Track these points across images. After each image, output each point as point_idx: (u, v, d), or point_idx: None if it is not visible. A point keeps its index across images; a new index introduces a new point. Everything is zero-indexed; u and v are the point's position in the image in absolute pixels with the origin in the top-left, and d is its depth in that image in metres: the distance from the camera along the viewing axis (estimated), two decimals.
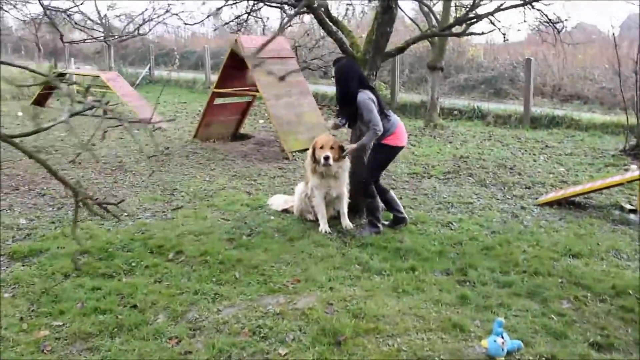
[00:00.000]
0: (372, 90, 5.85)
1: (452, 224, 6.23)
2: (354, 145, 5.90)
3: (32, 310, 4.34)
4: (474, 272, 4.88)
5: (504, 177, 8.29)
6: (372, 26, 6.18)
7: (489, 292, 4.52)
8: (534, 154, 9.93)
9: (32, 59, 28.78)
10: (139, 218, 6.52)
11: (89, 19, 22.05)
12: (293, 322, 3.99)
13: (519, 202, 7.16)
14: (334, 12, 6.91)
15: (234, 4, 6.77)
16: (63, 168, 8.89)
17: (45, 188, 7.82)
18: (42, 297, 4.52)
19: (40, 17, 24.95)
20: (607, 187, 6.89)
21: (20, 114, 15.06)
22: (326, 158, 5.83)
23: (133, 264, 5.16)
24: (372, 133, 5.67)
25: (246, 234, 5.90)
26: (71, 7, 5.39)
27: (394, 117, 5.91)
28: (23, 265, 5.20)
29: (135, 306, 4.35)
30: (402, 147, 5.99)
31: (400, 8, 14.29)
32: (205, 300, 4.41)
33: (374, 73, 6.29)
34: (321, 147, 5.90)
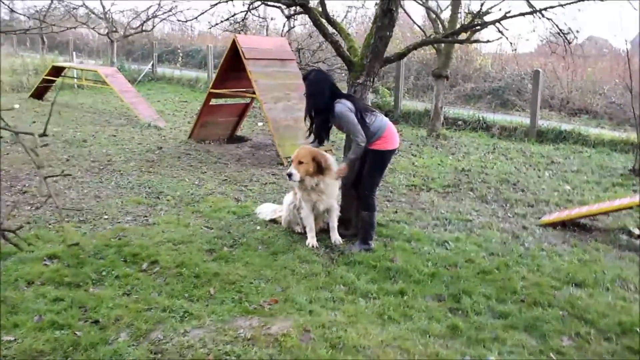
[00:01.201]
0: (349, 97, 5.54)
1: (448, 243, 5.85)
2: (343, 165, 5.58)
3: None
4: (467, 299, 4.50)
5: (506, 193, 7.92)
6: (371, 30, 5.82)
7: (483, 324, 4.15)
8: (539, 170, 9.55)
9: (37, 51, 28.61)
10: (119, 222, 6.17)
11: (93, 13, 21.85)
12: (264, 350, 3.62)
13: (521, 221, 6.78)
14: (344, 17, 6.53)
15: (228, 1, 6.43)
16: (50, 165, 8.57)
17: (27, 185, 7.50)
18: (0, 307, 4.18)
19: (45, 9, 24.81)
20: (615, 210, 6.50)
21: (17, 106, 14.76)
22: (289, 175, 5.52)
23: (103, 273, 4.81)
24: (354, 146, 5.41)
25: (228, 245, 5.54)
26: None
27: (380, 120, 5.54)
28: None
29: (97, 322, 4.01)
30: (394, 151, 5.66)
31: (408, 14, 14.06)
32: (173, 319, 4.05)
33: (372, 79, 5.94)
34: (292, 162, 5.59)
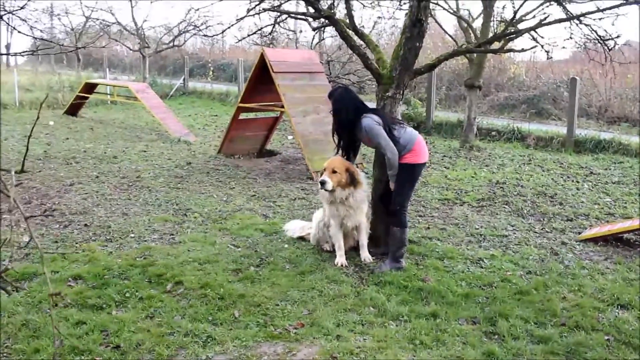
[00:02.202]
0: (375, 112, 5.43)
1: (482, 260, 5.61)
2: (391, 183, 5.41)
3: (7, 346, 3.93)
4: (504, 323, 4.25)
5: (543, 207, 7.61)
6: (400, 41, 5.64)
7: (521, 350, 3.90)
8: (578, 182, 9.19)
9: (72, 68, 29.20)
10: (145, 240, 6.10)
11: (126, 29, 22.17)
12: None
13: (560, 236, 6.48)
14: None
15: (255, 14, 6.36)
16: (80, 182, 8.60)
17: (57, 203, 7.50)
18: (21, 331, 4.11)
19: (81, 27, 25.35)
20: None
21: (51, 123, 15.00)
22: (322, 183, 5.35)
23: (127, 295, 4.72)
24: (387, 161, 5.27)
25: (255, 265, 5.40)
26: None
27: (410, 133, 5.39)
28: (12, 291, 4.80)
29: (118, 347, 3.90)
30: (424, 164, 5.49)
31: (439, 24, 13.82)
32: (196, 344, 3.92)
33: (402, 92, 5.75)
34: (324, 170, 5.43)
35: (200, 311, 4.41)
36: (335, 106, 5.43)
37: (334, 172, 5.37)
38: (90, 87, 16.46)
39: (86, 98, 16.62)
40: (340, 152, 5.62)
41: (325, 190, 5.38)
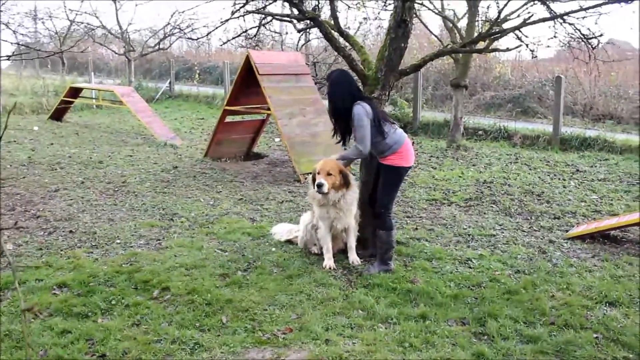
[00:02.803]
0: (369, 101, 5.33)
1: (471, 260, 5.60)
2: (334, 156, 5.42)
3: None
4: (493, 323, 4.24)
5: (530, 205, 7.62)
6: (385, 41, 5.62)
7: (511, 350, 3.89)
8: (564, 179, 9.23)
9: (57, 72, 28.95)
10: (131, 246, 6.03)
11: (110, 33, 22.02)
12: None
13: (547, 234, 6.50)
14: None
15: (240, 17, 6.33)
16: (65, 188, 8.50)
17: (41, 209, 7.41)
18: (4, 341, 4.03)
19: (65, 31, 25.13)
20: None
21: (36, 128, 14.84)
22: (319, 185, 5.26)
23: (113, 302, 4.65)
24: (354, 149, 5.23)
25: (242, 269, 5.35)
26: None
27: (400, 134, 5.33)
28: None
29: (104, 355, 3.85)
30: (409, 168, 5.45)
31: (424, 24, 13.86)
32: (183, 352, 3.87)
33: (387, 92, 5.73)
34: (318, 173, 5.36)
35: (187, 317, 4.36)
36: (330, 90, 5.33)
37: (329, 174, 5.30)
38: (75, 92, 16.31)
39: (71, 102, 16.47)
40: (337, 136, 5.53)
41: (322, 193, 5.31)
